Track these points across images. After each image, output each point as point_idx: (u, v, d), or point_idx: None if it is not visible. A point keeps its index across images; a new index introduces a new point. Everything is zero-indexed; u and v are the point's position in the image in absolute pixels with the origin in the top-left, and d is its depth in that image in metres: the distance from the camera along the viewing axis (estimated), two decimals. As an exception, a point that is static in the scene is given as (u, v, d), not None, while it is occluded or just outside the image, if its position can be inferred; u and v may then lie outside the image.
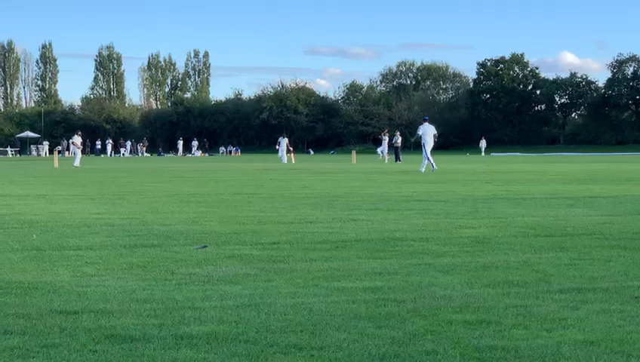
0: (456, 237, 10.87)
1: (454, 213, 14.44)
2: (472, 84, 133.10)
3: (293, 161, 56.58)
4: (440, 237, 10.87)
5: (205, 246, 9.92)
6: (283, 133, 67.21)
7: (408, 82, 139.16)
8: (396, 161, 55.96)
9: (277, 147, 63.84)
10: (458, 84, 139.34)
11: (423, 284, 7.44)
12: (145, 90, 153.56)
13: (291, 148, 62.33)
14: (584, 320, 5.94)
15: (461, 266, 8.42)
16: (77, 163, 46.74)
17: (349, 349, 5.27)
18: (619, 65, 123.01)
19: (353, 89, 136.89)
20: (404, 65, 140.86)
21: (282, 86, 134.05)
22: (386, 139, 61.25)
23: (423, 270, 8.23)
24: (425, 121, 37.34)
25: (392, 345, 5.33)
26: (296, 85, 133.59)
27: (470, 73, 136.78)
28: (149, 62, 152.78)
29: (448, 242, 10.38)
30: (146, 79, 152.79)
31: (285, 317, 6.09)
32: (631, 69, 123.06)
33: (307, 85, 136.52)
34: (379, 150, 58.03)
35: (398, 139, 59.16)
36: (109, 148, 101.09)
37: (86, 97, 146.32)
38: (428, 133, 35.77)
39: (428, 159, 35.19)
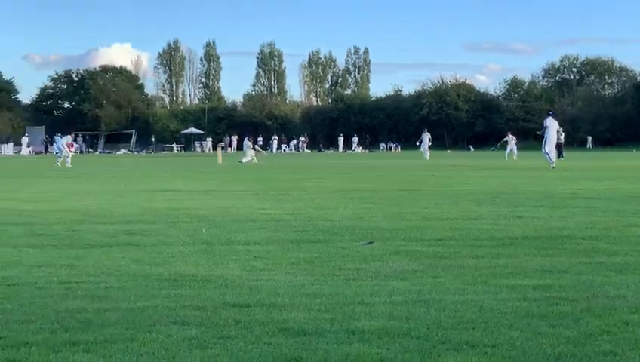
0: (627, 236, 10.59)
1: (623, 211, 14.07)
2: (639, 79, 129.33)
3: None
4: (610, 236, 10.60)
5: (372, 243, 9.95)
6: (424, 129, 66.57)
7: (571, 77, 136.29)
8: (559, 157, 54.85)
9: (418, 143, 63.53)
10: (624, 79, 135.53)
11: (596, 283, 7.27)
12: (305, 86, 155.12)
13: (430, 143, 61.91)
14: None
15: (635, 266, 8.20)
16: (245, 159, 46.69)
17: (523, 348, 5.20)
18: None
19: (514, 85, 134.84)
20: (567, 60, 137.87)
21: (442, 82, 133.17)
22: (513, 138, 59.63)
23: (594, 269, 8.05)
24: (550, 115, 37.12)
25: (568, 345, 5.23)
26: (456, 81, 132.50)
27: (637, 67, 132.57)
28: (309, 59, 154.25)
29: (619, 241, 10.11)
30: (307, 76, 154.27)
31: (456, 314, 6.06)
32: None
33: (467, 81, 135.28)
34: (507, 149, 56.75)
35: (562, 136, 58.11)
36: (274, 144, 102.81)
37: (248, 94, 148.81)
38: (552, 128, 35.60)
39: (547, 154, 34.99)
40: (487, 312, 6.12)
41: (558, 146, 56.88)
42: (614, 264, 8.29)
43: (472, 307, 6.29)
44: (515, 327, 5.66)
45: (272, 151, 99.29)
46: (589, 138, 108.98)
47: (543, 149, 35.57)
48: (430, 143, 61.77)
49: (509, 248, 9.52)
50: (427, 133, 62.54)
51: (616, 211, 14.11)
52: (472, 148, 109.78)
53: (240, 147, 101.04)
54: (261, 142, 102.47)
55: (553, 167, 33.96)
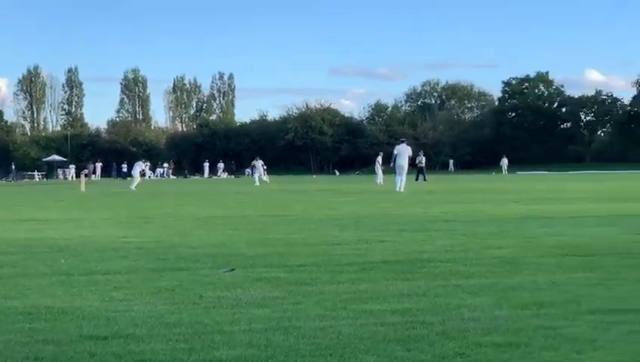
0: (484, 258, 10.84)
1: (482, 234, 14.41)
2: (497, 103, 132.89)
3: (268, 182, 56.99)
4: (468, 258, 10.84)
5: (233, 270, 9.94)
6: (256, 156, 67.10)
7: (433, 102, 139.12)
8: (417, 180, 55.84)
9: (249, 170, 63.67)
10: (483, 103, 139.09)
11: (451, 306, 7.42)
12: (170, 112, 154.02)
13: (265, 168, 62.75)
14: (615, 342, 5.91)
15: (489, 287, 8.40)
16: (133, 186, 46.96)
17: (379, 373, 5.27)
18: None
19: (378, 109, 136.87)
20: (429, 85, 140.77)
21: (307, 107, 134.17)
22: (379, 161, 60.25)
23: (450, 291, 8.22)
24: (402, 142, 38.38)
25: (422, 369, 5.33)
26: (321, 106, 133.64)
27: (495, 92, 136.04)
28: (174, 85, 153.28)
29: (476, 263, 10.35)
30: (171, 101, 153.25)
31: (314, 341, 6.10)
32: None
33: (332, 106, 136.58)
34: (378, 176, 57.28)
35: (422, 159, 59.22)
36: (145, 169, 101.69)
37: (112, 120, 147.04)
38: (401, 154, 36.76)
39: (396, 180, 36.23)
40: (345, 338, 6.17)
41: (420, 170, 58.06)
42: (470, 286, 8.48)
43: (330, 333, 6.34)
44: (371, 352, 5.73)
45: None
46: (451, 161, 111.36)
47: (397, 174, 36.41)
48: (265, 168, 62.23)
49: (369, 273, 9.63)
50: (259, 160, 62.98)
51: (475, 234, 14.44)
52: (337, 173, 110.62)
53: (107, 173, 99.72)
54: (125, 169, 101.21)
55: (399, 191, 34.66)
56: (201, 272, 9.83)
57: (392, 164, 38.67)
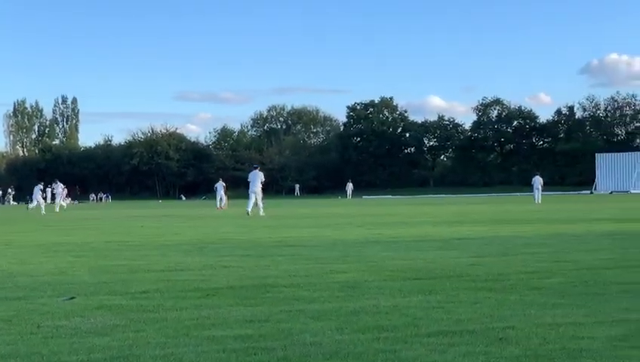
0: (327, 283, 10.92)
1: (325, 258, 14.52)
2: (342, 128, 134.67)
3: (65, 207, 56.47)
4: (311, 283, 10.90)
5: (73, 298, 9.73)
6: (55, 179, 66.10)
7: (279, 126, 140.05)
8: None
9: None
10: (329, 128, 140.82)
11: (294, 331, 7.44)
12: (11, 136, 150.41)
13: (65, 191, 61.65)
14: (451, 364, 6.04)
15: (332, 312, 8.46)
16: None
17: (219, 400, 5.24)
18: (484, 108, 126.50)
19: (224, 134, 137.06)
20: (275, 110, 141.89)
21: (152, 132, 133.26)
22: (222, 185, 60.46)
23: (293, 316, 8.24)
24: (255, 168, 40.71)
25: (262, 395, 5.32)
26: (167, 131, 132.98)
27: (340, 117, 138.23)
28: (14, 109, 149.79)
29: (319, 287, 10.42)
30: (12, 126, 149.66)
31: (154, 369, 6.02)
32: (495, 112, 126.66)
33: (178, 130, 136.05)
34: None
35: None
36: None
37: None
38: (254, 180, 39.12)
39: (249, 204, 38.56)
40: (187, 365, 6.12)
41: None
42: (313, 311, 8.53)
43: (171, 361, 6.27)
44: (212, 379, 5.70)
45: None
46: (297, 186, 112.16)
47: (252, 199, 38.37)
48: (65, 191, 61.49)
49: (213, 299, 9.58)
50: (58, 182, 62.37)
51: (319, 258, 14.54)
52: (183, 198, 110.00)
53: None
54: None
55: (262, 215, 36.38)
56: (40, 301, 9.58)
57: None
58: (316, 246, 17.42)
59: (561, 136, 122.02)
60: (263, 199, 39.13)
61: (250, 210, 38.17)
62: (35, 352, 6.68)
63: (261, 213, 37.76)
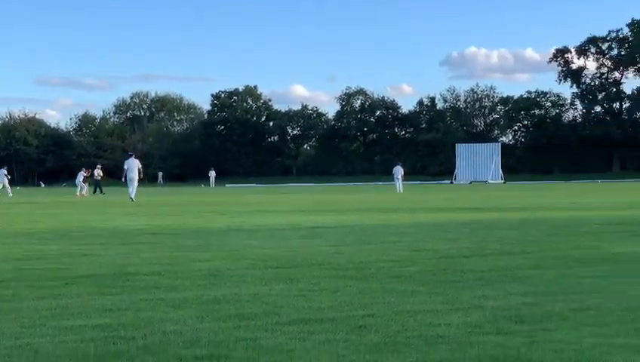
0: (189, 271, 10.86)
1: (188, 246, 14.43)
2: (206, 116, 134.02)
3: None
4: (172, 271, 10.82)
5: None
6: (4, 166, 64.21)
7: (142, 113, 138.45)
8: (95, 193, 57.22)
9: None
10: (192, 116, 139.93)
11: (154, 320, 7.37)
12: None
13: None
14: (311, 351, 6.07)
15: (193, 300, 8.42)
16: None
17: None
18: (347, 98, 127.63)
19: (86, 120, 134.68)
20: (138, 97, 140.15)
21: (10, 117, 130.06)
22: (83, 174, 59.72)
23: (154, 305, 8.17)
24: (130, 156, 41.35)
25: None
26: (25, 116, 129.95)
27: (205, 105, 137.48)
28: None
29: (181, 276, 10.35)
30: None
31: (9, 360, 5.88)
32: (358, 102, 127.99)
33: (37, 116, 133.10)
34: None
35: (100, 172, 60.23)
36: None
37: None
38: (132, 168, 39.80)
39: (130, 192, 39.39)
40: (43, 356, 5.99)
41: (97, 183, 58.81)
42: (174, 299, 8.47)
43: (27, 351, 6.13)
44: (70, 370, 5.61)
45: None
46: (160, 174, 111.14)
47: (77, 181, 38.84)
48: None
49: (72, 287, 9.41)
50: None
51: (181, 246, 14.44)
52: (42, 184, 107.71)
53: None
54: None
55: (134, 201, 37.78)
56: None
57: (123, 178, 41.00)
58: (179, 235, 17.31)
59: (423, 126, 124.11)
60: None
61: (133, 196, 38.96)
62: None
63: (133, 198, 38.75)
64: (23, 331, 6.92)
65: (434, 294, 8.70)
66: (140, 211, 28.66)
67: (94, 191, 58.15)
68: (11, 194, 53.70)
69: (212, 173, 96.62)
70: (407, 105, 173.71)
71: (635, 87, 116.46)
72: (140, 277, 10.22)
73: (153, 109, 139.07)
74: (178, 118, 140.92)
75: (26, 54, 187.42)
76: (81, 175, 56.74)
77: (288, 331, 6.83)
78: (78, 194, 53.76)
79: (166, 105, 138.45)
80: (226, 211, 27.89)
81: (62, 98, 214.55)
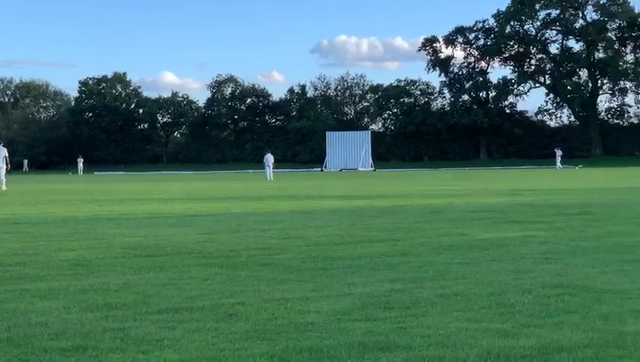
0: (55, 261, 10.65)
1: (54, 235, 14.16)
2: (73, 103, 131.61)
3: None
4: (38, 261, 10.60)
5: None
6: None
7: (6, 100, 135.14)
8: None
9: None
10: (59, 103, 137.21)
11: (19, 311, 7.21)
12: None
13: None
14: (180, 340, 6.03)
15: (59, 290, 8.26)
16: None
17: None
18: (218, 85, 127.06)
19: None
20: (2, 83, 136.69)
21: None
22: None
23: (18, 296, 7.98)
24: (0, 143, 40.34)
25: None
26: None
27: (72, 92, 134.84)
28: None
29: (47, 266, 10.14)
30: None
31: None
32: (229, 90, 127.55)
33: None
34: None
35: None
36: None
37: None
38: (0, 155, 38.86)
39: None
40: None
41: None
42: (39, 290, 8.29)
43: None
44: None
45: None
46: (26, 161, 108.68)
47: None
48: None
49: None
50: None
51: (47, 236, 14.16)
52: None
53: None
54: None
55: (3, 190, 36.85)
56: None
57: None
58: (45, 224, 16.97)
59: (294, 114, 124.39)
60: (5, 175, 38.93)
61: (4, 186, 38.21)
62: None
63: (3, 187, 38.00)
64: None
65: (304, 282, 8.74)
66: (3, 200, 27.97)
67: None
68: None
69: (80, 161, 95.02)
70: (278, 93, 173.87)
71: (500, 77, 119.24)
72: (4, 268, 9.98)
73: (18, 95, 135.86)
74: (44, 105, 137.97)
75: None
76: None
77: (157, 320, 6.77)
78: None
79: (31, 92, 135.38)
80: (94, 199, 27.46)
81: None
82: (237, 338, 6.12)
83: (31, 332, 6.33)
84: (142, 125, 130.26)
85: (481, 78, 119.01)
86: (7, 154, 39.23)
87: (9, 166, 39.68)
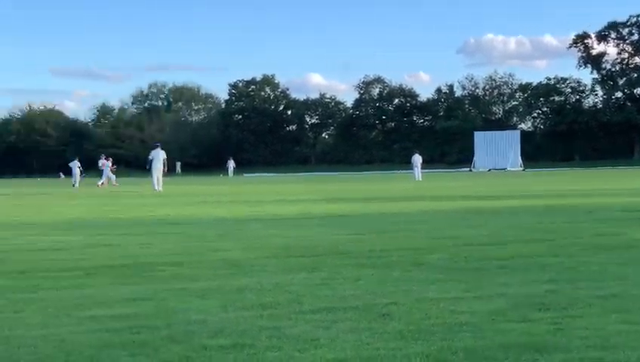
0: (210, 261, 10.89)
1: (208, 236, 14.47)
2: (223, 105, 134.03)
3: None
4: (194, 261, 10.85)
5: (-51, 278, 9.48)
6: (75, 156, 65.29)
7: (160, 104, 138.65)
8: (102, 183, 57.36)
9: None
10: (210, 105, 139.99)
11: (178, 310, 7.39)
12: None
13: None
14: (335, 340, 6.08)
15: (215, 290, 8.43)
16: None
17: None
18: (365, 86, 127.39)
19: (104, 111, 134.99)
20: (156, 87, 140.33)
21: (30, 108, 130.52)
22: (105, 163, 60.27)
23: (176, 295, 8.19)
24: (156, 146, 41.96)
25: (146, 374, 5.28)
26: (45, 108, 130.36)
27: (222, 94, 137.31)
28: None
29: (202, 266, 10.38)
30: None
31: (35, 350, 5.89)
32: (377, 90, 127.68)
33: (56, 107, 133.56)
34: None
35: (105, 162, 60.52)
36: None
37: None
38: (158, 158, 40.42)
39: (153, 182, 39.99)
40: (69, 345, 6.01)
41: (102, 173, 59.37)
42: (196, 289, 8.49)
43: (53, 341, 6.15)
44: (95, 359, 5.61)
45: None
46: (178, 163, 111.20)
47: (152, 178, 40.29)
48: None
49: (94, 278, 9.45)
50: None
51: (201, 236, 14.48)
52: (62, 176, 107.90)
53: None
54: None
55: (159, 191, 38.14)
56: None
57: (147, 167, 41.69)
58: (198, 224, 17.36)
59: (441, 114, 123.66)
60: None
61: (157, 187, 39.30)
62: None
63: (160, 188, 39.27)
64: (48, 321, 6.95)
65: (455, 282, 8.69)
66: (159, 201, 28.73)
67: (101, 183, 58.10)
68: (76, 186, 54.71)
69: (231, 163, 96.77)
70: (424, 93, 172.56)
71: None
72: (162, 268, 10.25)
73: (171, 99, 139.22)
74: (196, 108, 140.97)
75: (41, 45, 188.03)
76: (105, 163, 57.12)
77: (312, 319, 6.84)
78: (100, 184, 54.02)
79: (184, 95, 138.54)
80: (245, 201, 27.93)
81: (79, 89, 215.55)
82: (391, 337, 6.13)
83: (190, 330, 6.49)
84: (290, 127, 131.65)
85: (635, 75, 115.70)
86: (165, 157, 40.42)
87: (166, 168, 40.72)
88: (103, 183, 54.23)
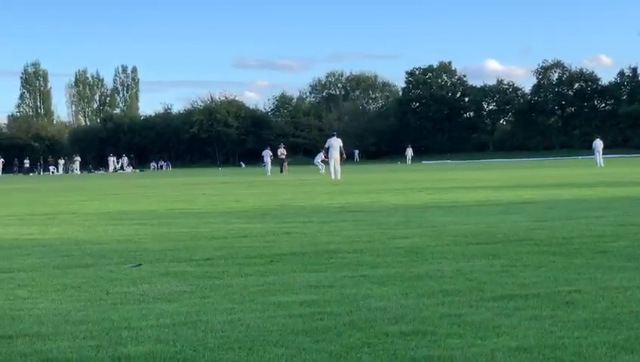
0: (389, 248, 10.94)
1: (387, 223, 14.54)
2: (401, 93, 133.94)
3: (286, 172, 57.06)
4: (374, 248, 10.93)
5: (140, 265, 9.86)
6: (266, 146, 67.70)
7: (337, 93, 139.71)
8: (282, 172, 58.19)
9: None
10: (387, 94, 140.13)
11: (359, 296, 7.48)
12: (73, 106, 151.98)
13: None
14: (517, 327, 6.03)
15: (396, 277, 8.48)
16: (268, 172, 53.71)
17: (287, 364, 5.29)
18: (544, 71, 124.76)
19: (283, 101, 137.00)
20: (333, 76, 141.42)
21: (212, 99, 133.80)
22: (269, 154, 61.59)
23: (357, 282, 8.28)
24: (332, 135, 42.00)
25: (330, 359, 5.36)
26: (226, 98, 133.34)
27: (399, 82, 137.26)
28: (76, 79, 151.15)
29: (382, 253, 10.44)
30: (74, 96, 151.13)
31: (223, 334, 6.08)
32: (556, 75, 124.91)
33: (236, 98, 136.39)
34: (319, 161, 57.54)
35: (284, 151, 61.54)
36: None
37: (12, 115, 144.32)
38: (334, 146, 40.30)
39: (331, 170, 40.36)
40: (254, 331, 6.18)
41: (282, 162, 60.37)
42: (377, 276, 8.56)
43: (238, 326, 6.34)
44: (280, 344, 5.75)
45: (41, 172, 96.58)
46: (356, 152, 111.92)
47: (315, 160, 39.10)
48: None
49: (276, 265, 9.65)
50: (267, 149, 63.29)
51: (380, 224, 14.56)
52: (243, 165, 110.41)
53: (9, 169, 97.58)
54: (27, 165, 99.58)
55: (337, 180, 38.15)
56: (107, 268, 9.73)
57: (324, 155, 42.98)
58: (378, 212, 17.44)
59: (624, 98, 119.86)
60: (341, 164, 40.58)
61: (334, 176, 39.49)
62: (105, 318, 6.79)
63: (338, 176, 39.35)
64: (234, 307, 7.15)
65: (642, 270, 8.46)
66: (337, 189, 29.02)
67: (281, 171, 59.17)
68: (269, 174, 55.97)
69: (409, 150, 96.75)
70: (606, 77, 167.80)
71: None
72: (343, 255, 10.36)
73: (348, 88, 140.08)
74: (373, 96, 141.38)
75: (224, 39, 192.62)
76: (283, 153, 58.47)
77: (493, 307, 6.79)
78: (269, 173, 55.25)
79: (361, 84, 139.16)
80: (423, 188, 27.88)
81: (259, 80, 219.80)
82: (575, 326, 6.03)
83: (371, 317, 6.55)
84: (467, 113, 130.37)
85: None
86: (341, 145, 40.69)
87: (344, 156, 40.94)
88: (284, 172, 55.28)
